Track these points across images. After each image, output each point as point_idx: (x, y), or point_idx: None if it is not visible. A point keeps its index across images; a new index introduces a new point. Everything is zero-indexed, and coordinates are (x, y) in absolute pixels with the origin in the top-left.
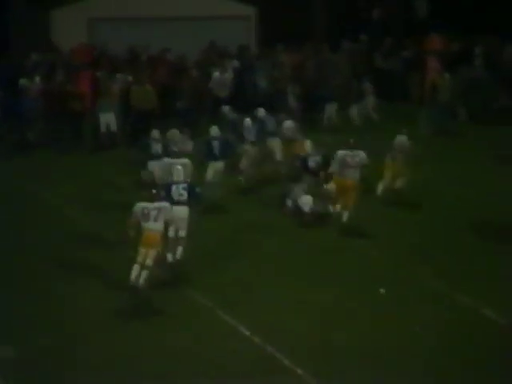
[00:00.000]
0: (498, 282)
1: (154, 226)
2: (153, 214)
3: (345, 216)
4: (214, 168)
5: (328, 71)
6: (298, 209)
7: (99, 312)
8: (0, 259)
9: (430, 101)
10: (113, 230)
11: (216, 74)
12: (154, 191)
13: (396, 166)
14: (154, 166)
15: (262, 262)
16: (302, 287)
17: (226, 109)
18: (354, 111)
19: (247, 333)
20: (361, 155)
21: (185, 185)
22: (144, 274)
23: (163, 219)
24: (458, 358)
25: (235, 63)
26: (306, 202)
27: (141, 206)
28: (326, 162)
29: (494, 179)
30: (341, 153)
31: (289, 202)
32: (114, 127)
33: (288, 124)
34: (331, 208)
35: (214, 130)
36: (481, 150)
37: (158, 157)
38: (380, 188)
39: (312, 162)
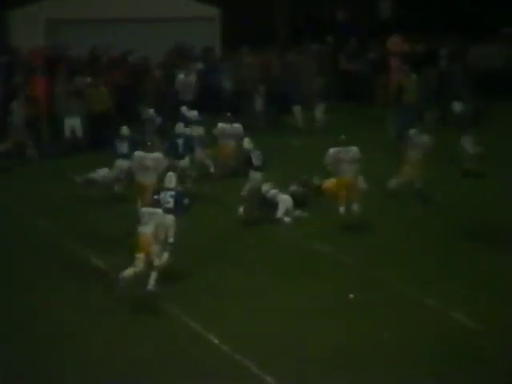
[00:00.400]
0: (472, 286)
1: (144, 230)
2: (145, 218)
3: (355, 207)
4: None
5: (292, 73)
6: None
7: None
8: None
9: (396, 103)
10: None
11: (181, 77)
12: (155, 197)
13: (416, 164)
14: (123, 165)
15: (226, 266)
16: (272, 292)
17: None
18: (319, 113)
19: (216, 341)
20: (353, 150)
21: (173, 193)
22: (153, 275)
23: (154, 223)
24: (425, 362)
25: (199, 65)
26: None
27: (141, 210)
28: (264, 158)
29: (464, 181)
30: (332, 150)
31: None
32: (79, 132)
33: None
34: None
35: (179, 128)
36: (450, 152)
37: (124, 156)
38: (393, 183)
39: (256, 158)
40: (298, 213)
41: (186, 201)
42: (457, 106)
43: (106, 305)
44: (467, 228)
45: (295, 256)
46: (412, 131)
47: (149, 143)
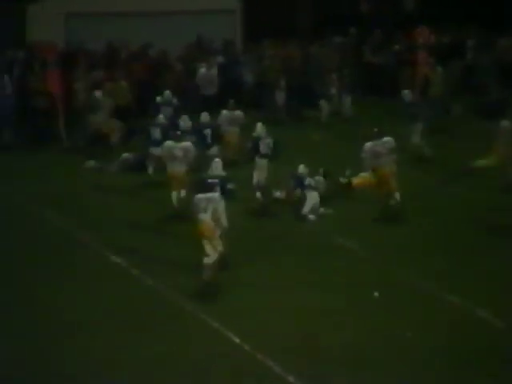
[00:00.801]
0: (489, 282)
1: (204, 217)
2: (202, 204)
3: (397, 196)
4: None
5: (315, 66)
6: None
7: (79, 315)
8: None
9: (422, 96)
10: (88, 232)
11: (202, 71)
12: (210, 181)
13: (507, 153)
14: (156, 152)
15: (245, 262)
16: (294, 289)
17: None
18: (345, 106)
19: (236, 339)
20: (389, 141)
21: (216, 180)
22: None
23: (211, 209)
24: (450, 361)
25: (220, 59)
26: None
27: (197, 197)
28: (276, 147)
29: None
30: (368, 145)
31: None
32: (105, 128)
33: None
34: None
35: (205, 117)
36: (475, 145)
37: (157, 142)
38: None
39: (264, 145)
40: (322, 210)
41: (231, 186)
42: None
43: (127, 303)
44: (494, 223)
45: (318, 251)
46: (505, 122)
47: (178, 133)
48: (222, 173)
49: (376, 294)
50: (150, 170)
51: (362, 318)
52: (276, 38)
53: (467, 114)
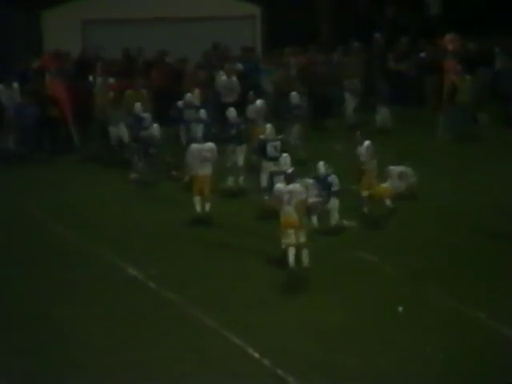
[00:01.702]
0: None
1: (288, 209)
2: (285, 197)
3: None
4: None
5: (337, 73)
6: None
7: (94, 329)
8: None
9: (449, 104)
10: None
11: (223, 78)
12: (289, 171)
13: None
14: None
15: (266, 278)
16: (313, 304)
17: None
18: (382, 117)
19: (256, 355)
20: (369, 145)
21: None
22: (304, 253)
23: (295, 200)
24: (478, 380)
25: (239, 66)
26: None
27: (279, 189)
28: (283, 148)
29: None
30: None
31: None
32: (125, 138)
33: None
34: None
35: (232, 114)
36: (504, 156)
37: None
38: None
39: (271, 148)
40: (346, 223)
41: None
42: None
43: (145, 317)
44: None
45: (338, 265)
46: None
47: (199, 135)
48: (290, 168)
49: (400, 308)
50: (186, 178)
51: (384, 336)
52: (297, 44)
53: (494, 123)
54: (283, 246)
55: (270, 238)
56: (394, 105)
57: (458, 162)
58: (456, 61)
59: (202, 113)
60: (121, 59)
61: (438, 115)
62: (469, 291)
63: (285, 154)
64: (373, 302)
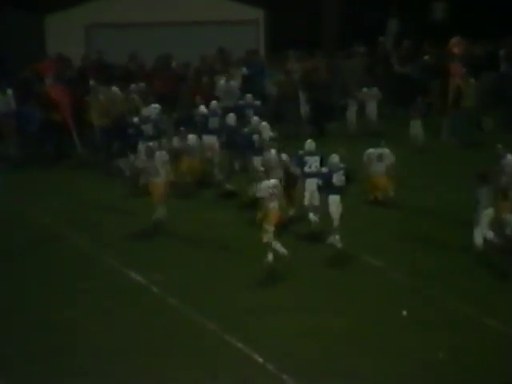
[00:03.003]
0: None
1: (273, 206)
2: (269, 193)
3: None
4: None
5: (340, 78)
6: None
7: (101, 336)
8: None
9: (454, 108)
10: (108, 249)
11: (221, 82)
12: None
13: None
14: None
15: (270, 283)
16: (318, 310)
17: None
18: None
19: (260, 359)
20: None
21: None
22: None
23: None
24: None
25: (244, 70)
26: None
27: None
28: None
29: None
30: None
31: None
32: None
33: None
34: None
35: (255, 123)
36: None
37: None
38: None
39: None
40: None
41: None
42: None
43: (149, 323)
44: None
45: (345, 270)
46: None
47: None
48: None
49: (404, 312)
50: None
51: (390, 341)
52: (301, 48)
53: (499, 128)
54: (265, 241)
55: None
56: (398, 108)
57: (462, 166)
58: (461, 64)
59: (231, 117)
60: (125, 64)
61: (442, 119)
62: (476, 295)
63: (334, 154)
64: (377, 306)
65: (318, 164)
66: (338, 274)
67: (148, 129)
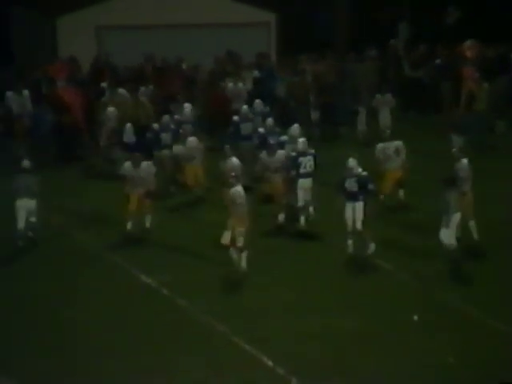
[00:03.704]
0: None
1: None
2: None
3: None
4: None
5: (351, 81)
6: None
7: (109, 336)
8: None
9: (466, 112)
10: (118, 251)
11: (230, 85)
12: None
13: None
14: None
15: (280, 284)
16: (326, 312)
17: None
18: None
19: (270, 363)
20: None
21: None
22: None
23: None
24: None
25: (255, 73)
26: None
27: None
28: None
29: None
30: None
31: None
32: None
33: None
34: None
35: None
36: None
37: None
38: None
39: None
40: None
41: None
42: None
43: (158, 324)
44: None
45: (354, 273)
46: None
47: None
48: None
49: (415, 317)
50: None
51: (400, 344)
52: (312, 51)
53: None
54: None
55: (283, 247)
56: (410, 111)
57: (474, 170)
58: (474, 68)
59: (270, 121)
60: (139, 65)
61: (454, 122)
62: (483, 298)
63: (351, 159)
64: (386, 308)
65: (312, 163)
66: (346, 276)
67: (167, 137)
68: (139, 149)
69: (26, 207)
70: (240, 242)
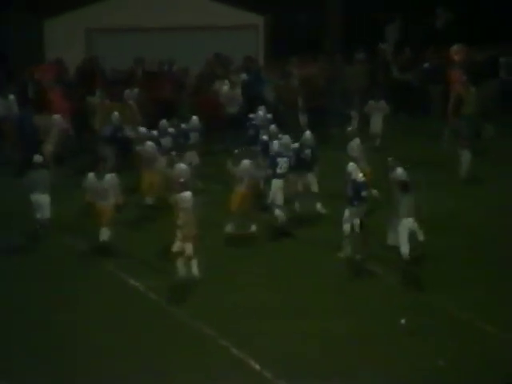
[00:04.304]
0: None
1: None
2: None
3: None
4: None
5: (340, 84)
6: None
7: (96, 340)
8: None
9: (454, 116)
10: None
11: (225, 88)
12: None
13: None
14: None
15: (268, 286)
16: (314, 314)
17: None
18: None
19: (257, 366)
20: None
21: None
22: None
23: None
24: None
25: (243, 76)
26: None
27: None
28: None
29: None
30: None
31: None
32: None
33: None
34: None
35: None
36: (507, 168)
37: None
38: None
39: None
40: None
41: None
42: None
43: (147, 328)
44: None
45: (343, 275)
46: None
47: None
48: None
49: (402, 321)
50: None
51: (390, 346)
52: (301, 54)
53: (499, 135)
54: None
55: (272, 249)
56: (398, 114)
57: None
58: (462, 71)
59: (273, 128)
60: (129, 68)
61: (443, 126)
62: (474, 303)
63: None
64: (377, 312)
65: (287, 165)
66: (340, 279)
67: (167, 142)
68: (117, 142)
69: (39, 201)
70: (188, 250)
